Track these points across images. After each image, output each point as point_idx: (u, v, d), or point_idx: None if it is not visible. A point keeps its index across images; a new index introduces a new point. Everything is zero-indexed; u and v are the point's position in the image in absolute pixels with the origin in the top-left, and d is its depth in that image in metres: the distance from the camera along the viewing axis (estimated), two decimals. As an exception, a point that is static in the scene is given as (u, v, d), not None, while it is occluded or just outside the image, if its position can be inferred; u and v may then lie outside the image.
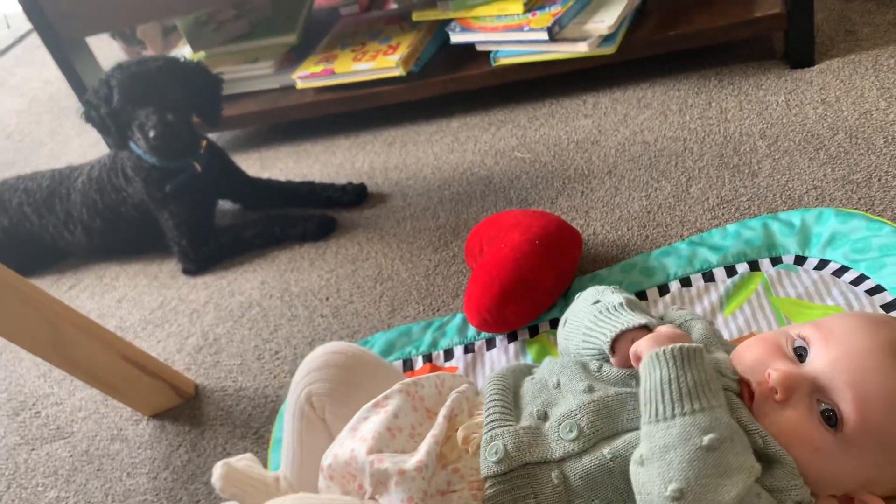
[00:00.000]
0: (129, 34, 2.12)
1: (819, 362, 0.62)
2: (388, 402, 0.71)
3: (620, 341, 0.68)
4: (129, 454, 1.07)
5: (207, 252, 1.36)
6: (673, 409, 0.57)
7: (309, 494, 0.70)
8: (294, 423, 0.80)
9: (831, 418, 0.60)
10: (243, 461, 0.79)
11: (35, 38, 2.98)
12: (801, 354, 0.64)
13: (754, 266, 0.97)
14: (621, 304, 0.72)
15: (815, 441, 0.60)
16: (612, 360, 0.69)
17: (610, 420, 0.64)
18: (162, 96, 1.25)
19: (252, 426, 1.04)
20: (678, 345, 0.59)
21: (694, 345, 0.60)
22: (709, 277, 0.98)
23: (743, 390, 0.64)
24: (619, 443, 0.63)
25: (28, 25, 3.09)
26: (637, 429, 0.62)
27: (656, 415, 0.57)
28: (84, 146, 2.00)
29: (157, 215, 1.38)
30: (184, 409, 1.10)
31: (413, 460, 0.64)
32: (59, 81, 2.47)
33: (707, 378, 0.58)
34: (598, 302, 0.74)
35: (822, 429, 0.60)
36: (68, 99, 2.31)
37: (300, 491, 0.78)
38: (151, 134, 1.23)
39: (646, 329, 0.67)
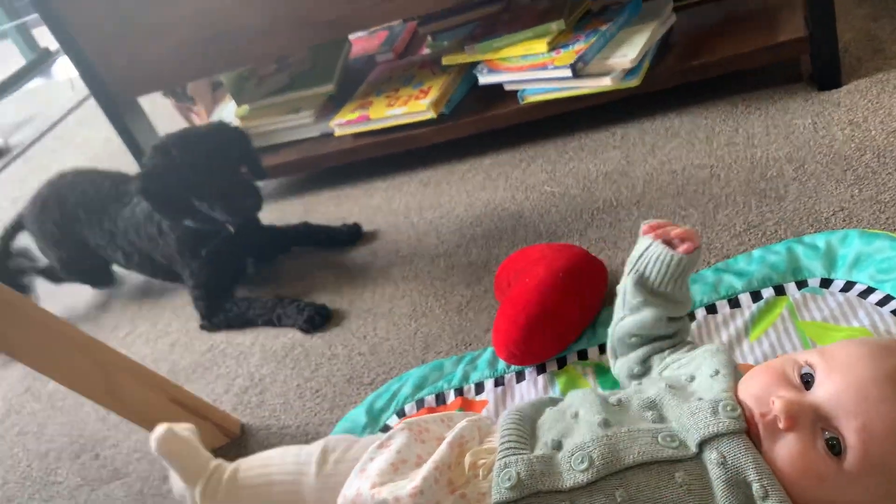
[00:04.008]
0: (179, 91, 2.23)
1: (823, 390, 0.62)
2: (392, 442, 0.74)
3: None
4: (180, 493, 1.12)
5: (218, 320, 1.40)
6: None
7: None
8: None
9: (835, 447, 0.59)
10: (186, 431, 0.88)
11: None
12: (807, 381, 0.64)
13: (780, 290, 0.98)
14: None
15: (820, 470, 0.60)
16: None
17: (619, 454, 0.64)
18: (230, 160, 1.32)
19: (294, 463, 1.07)
20: None
21: None
22: (734, 304, 0.99)
23: (751, 423, 0.64)
24: (633, 487, 0.62)
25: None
26: (645, 463, 0.63)
27: None
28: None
29: (179, 271, 1.44)
30: (230, 447, 1.15)
31: (409, 486, 0.66)
32: (117, 139, 2.60)
33: None
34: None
35: (826, 457, 0.60)
36: (128, 155, 2.43)
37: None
38: (248, 203, 1.30)
39: None
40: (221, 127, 1.34)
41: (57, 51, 4.31)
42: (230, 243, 1.41)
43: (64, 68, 3.80)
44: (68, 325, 1.04)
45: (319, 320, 1.30)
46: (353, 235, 1.47)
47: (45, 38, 4.47)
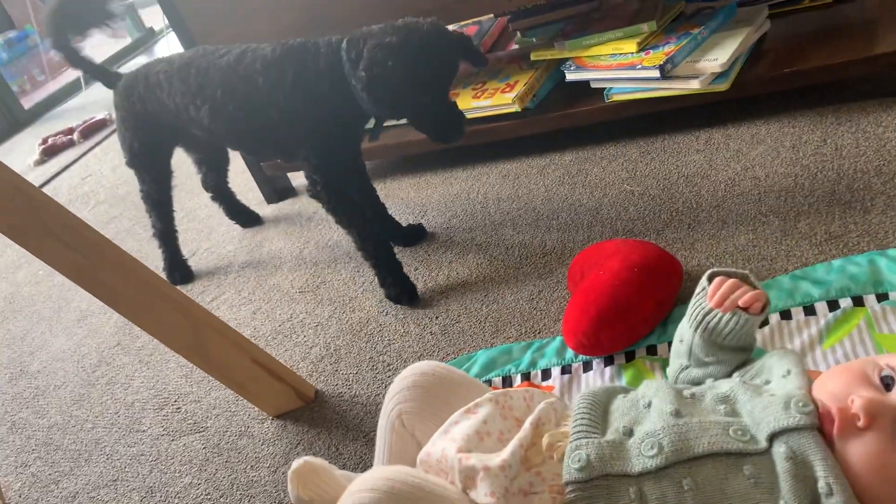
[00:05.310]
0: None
1: None
2: (479, 410, 0.77)
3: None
4: (254, 449, 1.18)
5: (336, 206, 1.34)
6: None
7: (415, 470, 0.76)
8: (385, 435, 0.87)
9: None
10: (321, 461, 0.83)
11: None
12: (888, 384, 0.64)
13: (858, 301, 0.97)
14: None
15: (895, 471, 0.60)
16: None
17: (689, 443, 0.66)
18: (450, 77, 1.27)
19: (363, 430, 1.12)
20: None
21: None
22: (810, 311, 0.99)
23: (825, 421, 0.64)
24: (700, 476, 0.64)
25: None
26: (715, 454, 0.65)
27: None
28: (233, 174, 2.19)
29: (296, 136, 1.32)
30: (304, 411, 1.21)
31: (498, 459, 0.69)
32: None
33: None
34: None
35: None
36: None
37: None
38: (459, 130, 1.26)
39: None
40: (443, 35, 1.22)
41: (161, 31, 4.52)
42: (353, 140, 1.37)
43: (166, 48, 3.97)
44: (163, 280, 1.11)
45: (406, 300, 1.33)
46: (411, 237, 1.51)
47: (150, 18, 4.70)
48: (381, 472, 0.71)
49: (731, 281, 0.77)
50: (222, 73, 1.34)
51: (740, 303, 0.76)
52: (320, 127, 1.30)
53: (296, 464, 0.81)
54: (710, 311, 0.77)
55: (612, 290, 1.03)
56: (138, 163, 1.64)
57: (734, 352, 0.78)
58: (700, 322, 0.78)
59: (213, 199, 1.84)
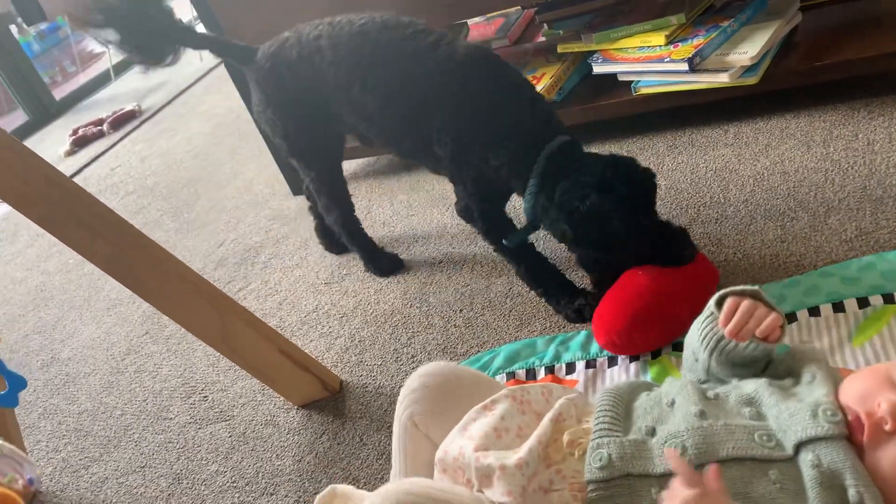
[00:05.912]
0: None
1: None
2: (496, 406, 0.77)
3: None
4: (279, 439, 1.20)
5: (497, 225, 1.22)
6: None
7: (422, 479, 0.77)
8: (400, 440, 0.87)
9: None
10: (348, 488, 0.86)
11: (222, 70, 3.32)
12: None
13: (889, 299, 0.95)
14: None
15: None
16: None
17: (714, 446, 0.66)
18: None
19: (387, 421, 1.13)
20: None
21: None
22: (839, 308, 0.97)
23: (854, 429, 0.64)
24: (725, 480, 0.63)
25: (217, 59, 3.44)
26: (741, 459, 0.64)
27: None
28: (260, 166, 2.21)
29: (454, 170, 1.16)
30: (329, 401, 1.22)
31: (515, 457, 0.70)
32: (240, 109, 2.74)
33: None
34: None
35: None
36: (248, 124, 2.56)
37: None
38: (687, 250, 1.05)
39: None
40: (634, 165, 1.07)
41: (189, 23, 4.54)
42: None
43: (193, 39, 4.00)
44: (192, 270, 1.12)
45: (589, 313, 1.11)
46: None
47: (178, 9, 4.72)
48: (390, 489, 0.72)
49: (745, 305, 0.75)
50: (406, 61, 1.13)
51: (757, 333, 0.74)
52: (482, 162, 1.12)
53: (322, 494, 0.83)
54: (724, 337, 0.75)
55: (648, 293, 1.01)
56: (299, 150, 1.34)
57: (754, 364, 0.77)
58: (714, 348, 0.76)
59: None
